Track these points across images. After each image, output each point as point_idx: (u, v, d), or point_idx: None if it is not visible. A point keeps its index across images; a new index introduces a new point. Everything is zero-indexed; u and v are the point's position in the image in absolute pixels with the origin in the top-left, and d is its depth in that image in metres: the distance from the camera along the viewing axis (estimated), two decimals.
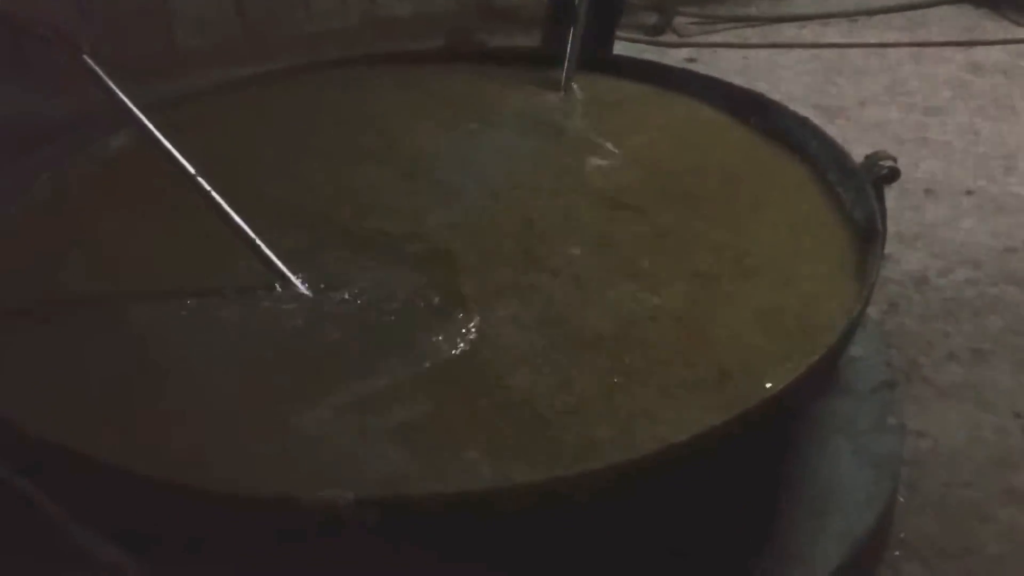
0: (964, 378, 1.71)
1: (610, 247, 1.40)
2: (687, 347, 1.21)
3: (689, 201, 1.50)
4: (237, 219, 1.31)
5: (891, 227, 1.38)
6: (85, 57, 1.28)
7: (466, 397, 1.14)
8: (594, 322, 1.25)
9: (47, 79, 1.70)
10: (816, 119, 1.61)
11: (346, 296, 1.30)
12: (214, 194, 1.31)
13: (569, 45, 1.83)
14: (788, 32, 3.13)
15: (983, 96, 2.68)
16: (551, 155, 1.64)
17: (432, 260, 1.37)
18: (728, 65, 2.88)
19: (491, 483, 1.03)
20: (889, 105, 2.66)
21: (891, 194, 1.42)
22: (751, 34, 3.12)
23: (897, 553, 1.38)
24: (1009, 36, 3.02)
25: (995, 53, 2.93)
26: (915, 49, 2.97)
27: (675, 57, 2.92)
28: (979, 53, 2.93)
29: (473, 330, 1.24)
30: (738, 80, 1.80)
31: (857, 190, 1.42)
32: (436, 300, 1.29)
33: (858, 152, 1.49)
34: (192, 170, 1.31)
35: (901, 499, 1.43)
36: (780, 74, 2.85)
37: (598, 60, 1.89)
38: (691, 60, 2.93)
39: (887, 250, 1.34)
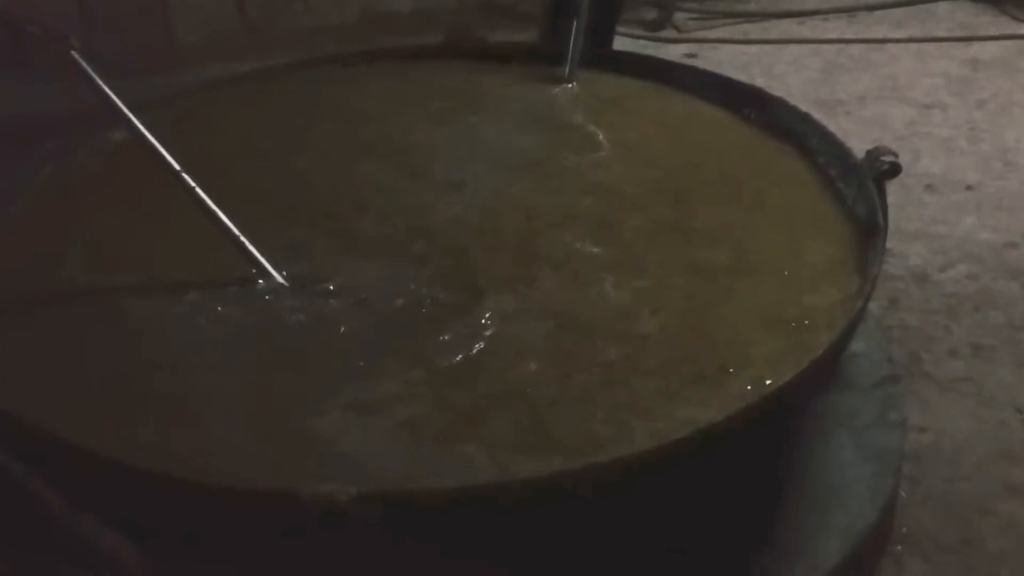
0: (965, 373, 1.71)
1: (610, 242, 1.40)
2: (688, 342, 1.21)
3: (690, 196, 1.49)
4: (221, 215, 1.31)
5: (891, 222, 1.38)
6: (73, 53, 1.28)
7: (467, 391, 1.14)
8: (594, 317, 1.25)
9: (47, 75, 1.70)
10: (816, 114, 1.61)
11: (341, 291, 1.30)
12: (198, 190, 1.31)
13: (572, 39, 1.83)
14: (788, 28, 3.13)
15: (983, 91, 2.68)
16: (551, 150, 1.63)
17: (433, 255, 1.37)
18: (728, 61, 2.88)
19: (492, 477, 1.03)
20: (889, 100, 2.65)
21: (891, 190, 1.42)
22: (751, 30, 3.12)
23: (899, 547, 1.38)
24: (1009, 32, 3.02)
25: (995, 48, 2.92)
26: (915, 45, 2.97)
27: (675, 53, 2.90)
28: (979, 48, 2.93)
29: (474, 325, 1.23)
30: (738, 76, 1.80)
31: (858, 185, 1.41)
32: (437, 295, 1.29)
33: (858, 147, 1.48)
34: (176, 166, 1.31)
35: (903, 493, 1.43)
36: (780, 70, 2.85)
37: (598, 55, 1.88)
38: (691, 56, 2.93)
39: (887, 245, 1.34)
